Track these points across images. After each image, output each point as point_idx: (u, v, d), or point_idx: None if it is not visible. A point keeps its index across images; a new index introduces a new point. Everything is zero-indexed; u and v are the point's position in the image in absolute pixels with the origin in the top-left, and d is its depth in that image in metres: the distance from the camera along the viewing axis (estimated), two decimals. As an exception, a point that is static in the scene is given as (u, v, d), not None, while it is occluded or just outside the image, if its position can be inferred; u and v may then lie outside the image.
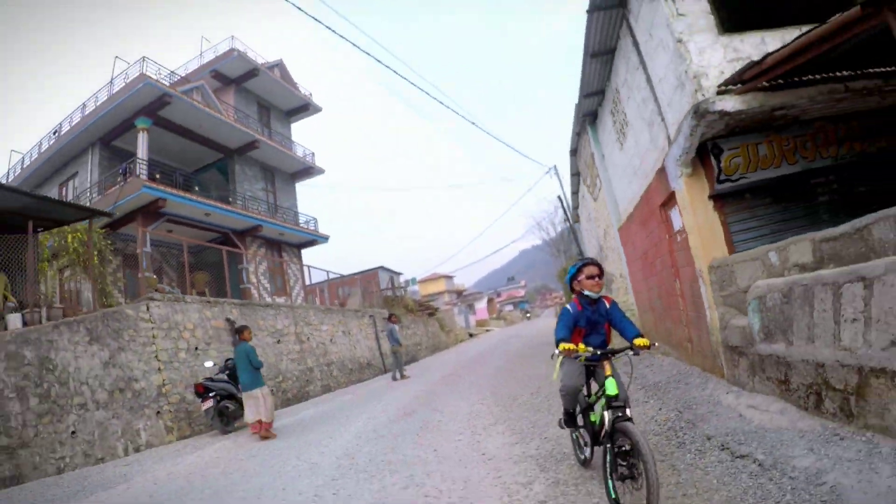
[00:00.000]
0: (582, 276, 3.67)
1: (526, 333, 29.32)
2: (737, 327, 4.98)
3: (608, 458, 3.14)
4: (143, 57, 15.34)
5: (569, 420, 3.91)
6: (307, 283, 21.64)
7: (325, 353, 15.17)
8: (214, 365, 9.69)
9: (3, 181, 18.05)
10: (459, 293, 64.22)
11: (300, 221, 21.92)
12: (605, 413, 3.20)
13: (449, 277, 62.77)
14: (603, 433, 3.22)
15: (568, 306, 3.69)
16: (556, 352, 3.34)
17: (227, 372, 9.05)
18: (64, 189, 17.48)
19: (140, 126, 15.50)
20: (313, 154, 23.38)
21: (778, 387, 4.28)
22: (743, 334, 4.85)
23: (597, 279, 3.64)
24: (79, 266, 10.22)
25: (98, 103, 16.01)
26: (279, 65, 22.67)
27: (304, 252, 22.55)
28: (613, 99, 8.40)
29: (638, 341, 3.31)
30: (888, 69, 4.96)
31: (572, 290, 3.78)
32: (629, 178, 8.55)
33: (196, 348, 10.28)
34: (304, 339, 14.41)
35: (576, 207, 18.54)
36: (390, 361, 16.21)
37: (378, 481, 4.59)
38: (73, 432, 7.38)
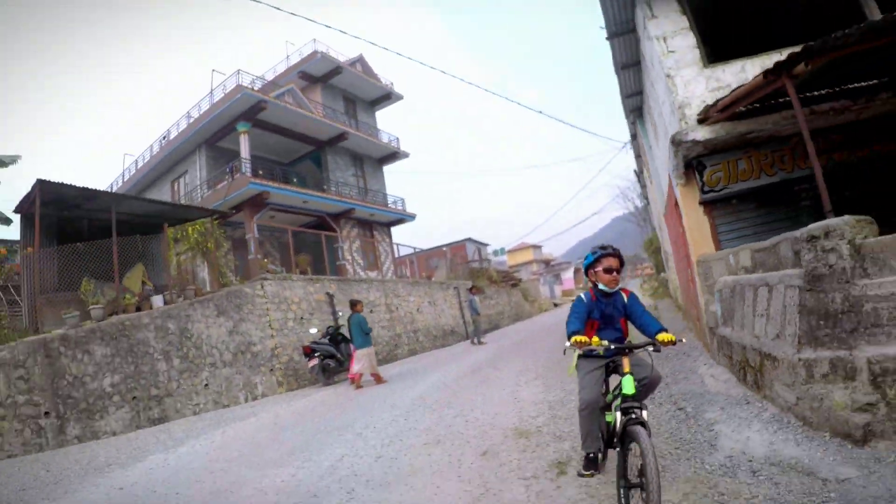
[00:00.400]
0: (599, 268, 3.34)
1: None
2: (711, 312, 6.12)
3: (619, 461, 2.95)
4: (238, 70, 18.01)
5: (590, 463, 3.22)
6: (397, 255, 24.06)
7: (412, 321, 17.44)
8: (317, 331, 12.11)
9: (120, 181, 22.05)
10: (547, 263, 64.73)
11: (388, 202, 24.23)
12: (618, 413, 3.00)
13: (537, 247, 63.45)
14: (615, 435, 3.04)
15: (582, 295, 3.45)
16: (568, 344, 3.05)
17: (328, 337, 11.39)
18: (176, 185, 20.52)
19: (241, 130, 18.06)
20: (398, 139, 25.43)
21: (728, 361, 5.47)
22: (714, 318, 5.99)
23: (615, 273, 3.31)
24: (198, 252, 12.27)
25: (201, 111, 18.99)
26: (360, 60, 24.64)
27: (394, 230, 24.92)
28: (647, 102, 9.27)
29: (661, 336, 3.02)
30: (857, 85, 5.64)
31: (588, 278, 3.53)
32: (664, 172, 9.44)
33: (302, 318, 12.78)
34: (394, 309, 16.72)
35: (644, 186, 18.98)
36: (472, 329, 17.97)
37: (437, 413, 6.56)
38: (206, 385, 9.81)
